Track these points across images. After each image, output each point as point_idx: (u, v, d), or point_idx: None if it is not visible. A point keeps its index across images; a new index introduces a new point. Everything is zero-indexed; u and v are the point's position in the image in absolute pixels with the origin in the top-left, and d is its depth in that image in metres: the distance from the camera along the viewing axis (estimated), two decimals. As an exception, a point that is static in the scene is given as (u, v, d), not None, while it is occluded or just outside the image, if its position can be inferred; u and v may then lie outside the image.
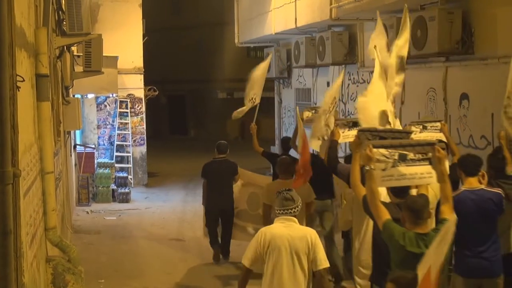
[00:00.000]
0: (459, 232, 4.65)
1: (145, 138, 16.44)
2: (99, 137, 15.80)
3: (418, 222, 4.22)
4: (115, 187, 14.57)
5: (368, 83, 12.96)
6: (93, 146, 15.23)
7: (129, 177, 15.62)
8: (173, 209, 13.19)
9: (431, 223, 4.93)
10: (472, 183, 5.42)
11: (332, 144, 6.39)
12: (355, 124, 6.34)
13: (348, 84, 13.83)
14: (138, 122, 16.17)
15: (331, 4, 11.99)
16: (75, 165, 13.25)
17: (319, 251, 4.72)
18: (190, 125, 30.64)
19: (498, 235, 5.34)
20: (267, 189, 7.27)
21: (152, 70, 18.91)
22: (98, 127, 15.78)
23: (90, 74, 10.33)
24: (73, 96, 11.99)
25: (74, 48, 11.05)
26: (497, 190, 5.43)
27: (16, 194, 3.42)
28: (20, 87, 3.59)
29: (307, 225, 6.32)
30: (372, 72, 13.10)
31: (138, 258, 9.57)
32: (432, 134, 6.77)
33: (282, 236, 4.69)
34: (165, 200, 14.40)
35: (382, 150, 4.41)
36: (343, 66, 13.92)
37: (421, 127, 6.92)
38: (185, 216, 12.28)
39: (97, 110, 15.75)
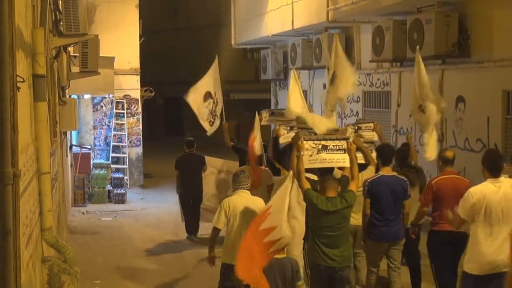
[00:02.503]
0: (376, 207, 6.60)
1: (141, 139, 16.42)
2: (95, 138, 15.75)
3: (327, 190, 5.83)
4: (111, 188, 14.54)
5: (364, 85, 13.04)
6: (89, 146, 15.19)
7: (125, 178, 15.58)
8: (169, 210, 13.14)
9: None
10: (387, 170, 6.81)
11: (275, 140, 8.36)
12: (292, 128, 8.15)
13: (345, 86, 13.84)
14: (134, 123, 16.14)
15: (328, 6, 12.01)
16: (71, 165, 13.22)
17: None
18: (187, 127, 30.59)
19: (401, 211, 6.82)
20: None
21: (148, 71, 18.87)
22: (94, 127, 15.73)
23: (87, 74, 10.25)
24: (70, 96, 11.95)
25: (70, 49, 10.99)
26: (404, 178, 6.85)
27: (16, 194, 3.42)
28: (20, 88, 3.58)
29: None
30: (368, 74, 13.18)
31: (133, 259, 9.56)
32: (365, 133, 8.12)
33: (240, 204, 6.33)
34: (161, 201, 14.35)
35: (310, 142, 6.25)
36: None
37: (355, 127, 8.32)
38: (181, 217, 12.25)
39: (93, 111, 15.70)
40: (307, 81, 15.72)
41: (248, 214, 6.19)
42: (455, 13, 9.56)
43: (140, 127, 16.31)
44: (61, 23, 7.83)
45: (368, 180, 6.67)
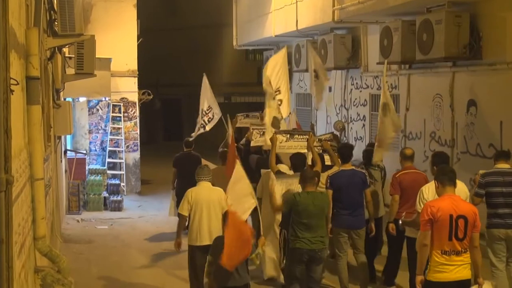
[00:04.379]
0: (338, 198, 7.65)
1: (139, 143, 16.18)
2: (90, 142, 15.53)
3: (307, 184, 7.01)
4: (107, 195, 14.32)
5: (372, 88, 12.82)
6: (84, 151, 14.92)
7: (122, 184, 15.35)
8: (167, 218, 12.86)
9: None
10: (346, 166, 7.94)
11: (247, 143, 9.90)
12: (264, 133, 9.09)
13: (351, 89, 13.65)
14: (131, 127, 15.92)
15: (333, 6, 11.85)
16: (66, 171, 13.03)
17: (225, 202, 7.28)
18: (185, 131, 30.29)
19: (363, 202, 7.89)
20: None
21: (146, 73, 18.63)
22: (90, 132, 15.51)
23: (82, 76, 10.16)
24: (64, 99, 11.83)
25: (65, 50, 10.93)
26: (362, 170, 8.06)
27: (8, 201, 3.40)
28: (14, 91, 3.61)
29: None
30: (375, 77, 12.93)
31: (130, 269, 9.42)
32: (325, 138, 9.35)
33: (201, 193, 7.45)
34: (159, 209, 14.10)
35: (282, 134, 8.30)
36: (346, 70, 13.69)
37: (317, 139, 9.47)
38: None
39: (89, 114, 15.47)
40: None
41: (208, 202, 7.35)
42: (466, 13, 9.40)
43: (138, 131, 16.10)
44: (56, 23, 7.77)
45: (330, 175, 7.86)
